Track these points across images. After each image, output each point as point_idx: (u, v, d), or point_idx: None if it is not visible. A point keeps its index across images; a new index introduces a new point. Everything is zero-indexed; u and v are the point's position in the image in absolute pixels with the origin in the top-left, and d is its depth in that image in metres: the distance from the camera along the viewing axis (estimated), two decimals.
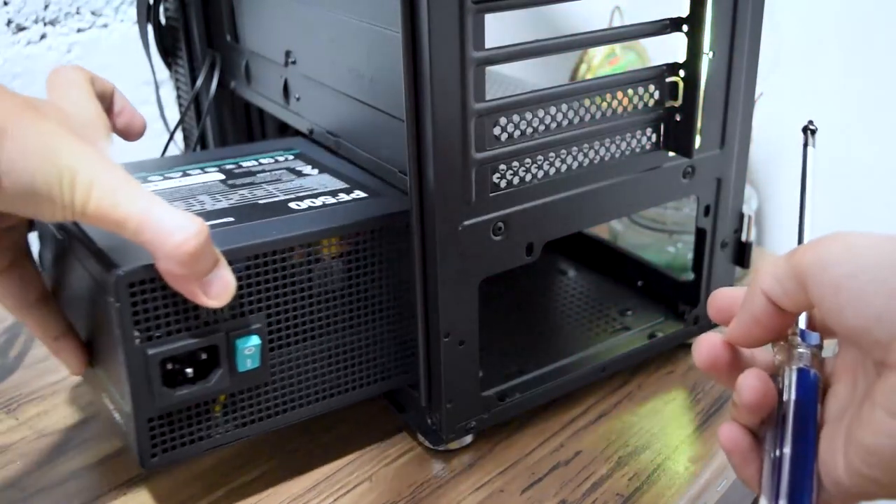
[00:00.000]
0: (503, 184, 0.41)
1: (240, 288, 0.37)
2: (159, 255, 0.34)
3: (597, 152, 0.44)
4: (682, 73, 0.46)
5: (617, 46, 0.72)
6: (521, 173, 0.42)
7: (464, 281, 0.41)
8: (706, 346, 0.33)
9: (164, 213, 0.34)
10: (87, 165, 0.33)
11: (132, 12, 0.78)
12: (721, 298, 0.34)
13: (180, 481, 0.45)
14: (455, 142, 0.38)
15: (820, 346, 0.31)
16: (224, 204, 0.43)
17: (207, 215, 0.41)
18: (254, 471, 0.46)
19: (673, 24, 0.45)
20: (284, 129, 0.61)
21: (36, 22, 0.72)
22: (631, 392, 0.51)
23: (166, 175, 0.47)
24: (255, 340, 0.38)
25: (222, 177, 0.47)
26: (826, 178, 0.72)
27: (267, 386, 0.40)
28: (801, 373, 0.30)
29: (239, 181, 0.46)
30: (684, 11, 0.45)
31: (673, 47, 0.46)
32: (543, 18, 0.83)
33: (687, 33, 0.45)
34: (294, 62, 0.52)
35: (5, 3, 0.70)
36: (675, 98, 0.46)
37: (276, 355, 0.40)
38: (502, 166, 0.41)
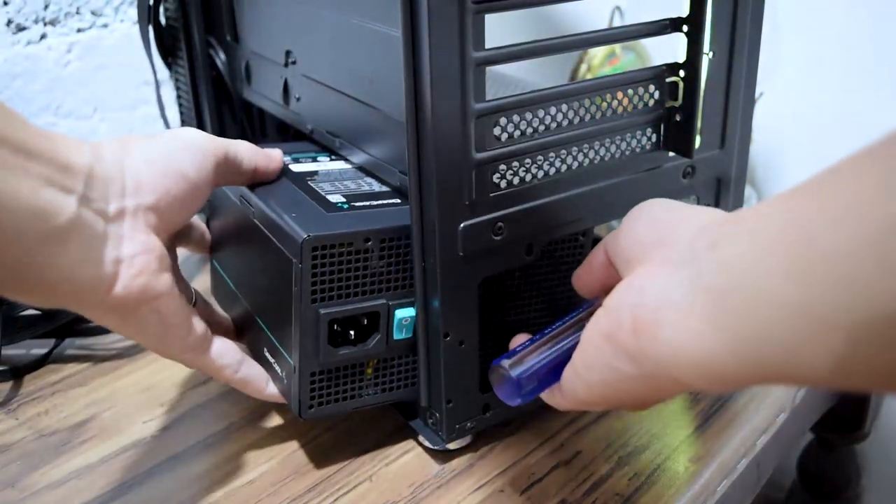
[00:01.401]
0: (503, 184, 0.41)
1: (405, 263, 0.42)
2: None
3: (597, 152, 0.44)
4: (682, 73, 0.46)
5: (617, 46, 0.72)
6: (521, 173, 0.42)
7: (464, 281, 0.41)
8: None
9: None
10: None
11: (132, 12, 0.78)
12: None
13: (180, 481, 0.45)
14: (455, 142, 0.38)
15: None
16: (376, 188, 0.46)
17: (376, 196, 0.45)
18: (254, 471, 0.46)
19: (673, 24, 0.45)
20: (284, 129, 0.62)
21: (36, 22, 0.72)
22: None
23: (317, 158, 0.51)
24: (411, 312, 0.42)
25: (348, 165, 0.50)
26: None
27: (414, 356, 0.44)
28: (590, 302, 0.39)
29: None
30: (684, 11, 0.45)
31: (673, 47, 0.46)
32: (543, 18, 0.83)
33: (687, 33, 0.45)
34: (294, 62, 0.52)
35: (5, 3, 0.70)
36: (675, 98, 0.46)
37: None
38: (502, 166, 0.41)
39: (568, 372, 0.35)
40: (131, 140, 0.40)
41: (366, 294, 0.42)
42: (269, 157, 0.47)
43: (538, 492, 0.44)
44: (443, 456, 0.46)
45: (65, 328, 0.57)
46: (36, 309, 0.56)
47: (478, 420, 0.45)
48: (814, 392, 0.56)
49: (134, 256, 0.37)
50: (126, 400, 0.53)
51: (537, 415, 0.49)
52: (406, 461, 0.46)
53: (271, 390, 0.46)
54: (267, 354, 0.46)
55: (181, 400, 0.52)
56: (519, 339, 0.40)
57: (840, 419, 0.68)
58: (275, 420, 0.50)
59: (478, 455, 0.46)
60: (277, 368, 0.45)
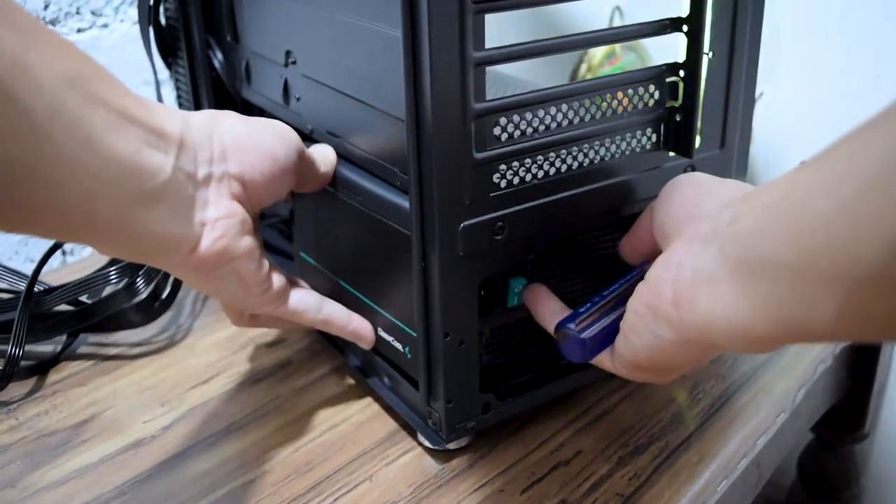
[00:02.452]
0: (503, 184, 0.41)
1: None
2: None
3: (597, 152, 0.44)
4: (682, 73, 0.46)
5: (617, 46, 0.72)
6: (521, 173, 0.42)
7: (464, 281, 0.41)
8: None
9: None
10: None
11: (132, 12, 0.78)
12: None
13: (180, 481, 0.45)
14: (455, 142, 0.38)
15: None
16: None
17: None
18: (254, 471, 0.46)
19: (673, 24, 0.45)
20: None
21: None
22: (631, 392, 0.51)
23: None
24: (522, 282, 0.44)
25: None
26: None
27: (528, 326, 0.46)
28: (639, 267, 0.42)
29: None
30: (684, 11, 0.45)
31: (673, 47, 0.46)
32: (543, 18, 0.83)
33: (687, 33, 0.45)
34: (294, 62, 0.52)
35: None
36: (675, 98, 0.46)
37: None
38: (502, 166, 0.41)
39: (619, 337, 0.38)
40: (222, 113, 0.42)
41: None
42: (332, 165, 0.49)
43: (538, 492, 0.44)
44: (443, 456, 0.46)
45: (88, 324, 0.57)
46: (68, 304, 0.56)
47: (478, 420, 0.45)
48: (814, 392, 0.56)
49: (217, 220, 0.39)
50: (126, 400, 0.53)
51: (537, 415, 0.49)
52: (406, 461, 0.46)
53: (355, 325, 0.48)
54: (382, 333, 0.48)
55: (181, 400, 0.52)
56: (538, 292, 0.44)
57: (840, 419, 0.68)
58: (275, 420, 0.50)
59: (478, 455, 0.46)
60: (398, 345, 0.47)
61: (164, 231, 0.37)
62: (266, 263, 0.43)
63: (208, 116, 0.41)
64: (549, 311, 0.43)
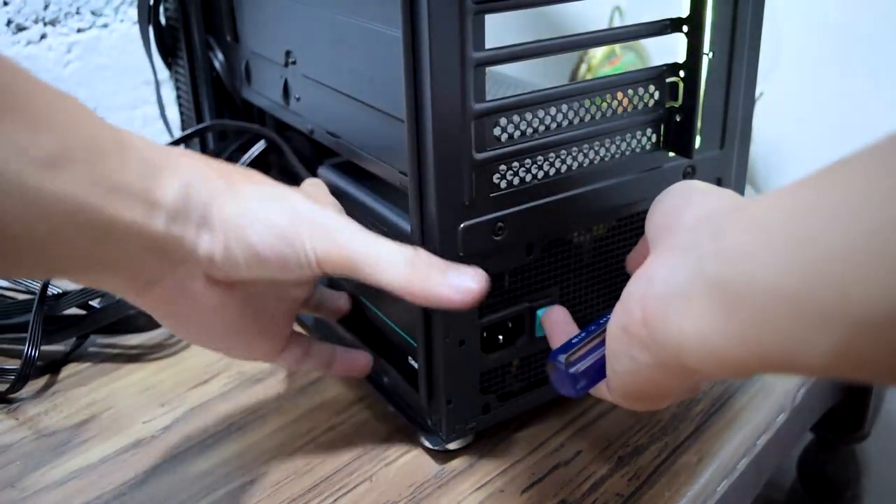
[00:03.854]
0: (503, 184, 0.41)
1: (541, 267, 0.44)
2: (392, 286, 0.37)
3: (597, 152, 0.44)
4: (682, 73, 0.45)
5: (617, 46, 0.72)
6: (521, 174, 0.42)
7: None
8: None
9: (382, 246, 0.38)
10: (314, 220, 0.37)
11: (132, 12, 0.78)
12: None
13: (180, 481, 0.45)
14: (455, 142, 0.38)
15: None
16: None
17: None
18: (254, 471, 0.46)
19: (673, 25, 0.45)
20: (284, 129, 0.61)
21: (36, 22, 0.72)
22: None
23: None
24: None
25: None
26: None
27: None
28: None
29: None
30: (684, 11, 0.45)
31: (673, 47, 0.46)
32: (543, 18, 0.83)
33: (687, 33, 0.45)
34: (294, 62, 0.52)
35: (5, 3, 0.70)
36: (675, 98, 0.46)
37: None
38: (502, 167, 0.41)
39: (606, 366, 0.36)
40: (238, 183, 0.38)
41: (509, 301, 0.44)
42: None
43: (538, 492, 0.44)
44: (443, 456, 0.46)
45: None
46: (79, 307, 0.57)
47: (478, 420, 0.45)
48: (814, 392, 0.56)
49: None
50: (126, 400, 0.53)
51: (537, 415, 0.49)
52: (406, 461, 0.46)
53: (353, 367, 0.47)
54: (413, 363, 0.47)
55: (181, 400, 0.52)
56: (554, 318, 0.42)
57: (840, 419, 0.68)
58: (275, 420, 0.50)
59: (478, 455, 0.46)
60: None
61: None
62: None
63: (224, 185, 0.37)
64: (557, 338, 0.41)
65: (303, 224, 0.37)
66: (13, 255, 0.31)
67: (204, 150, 0.64)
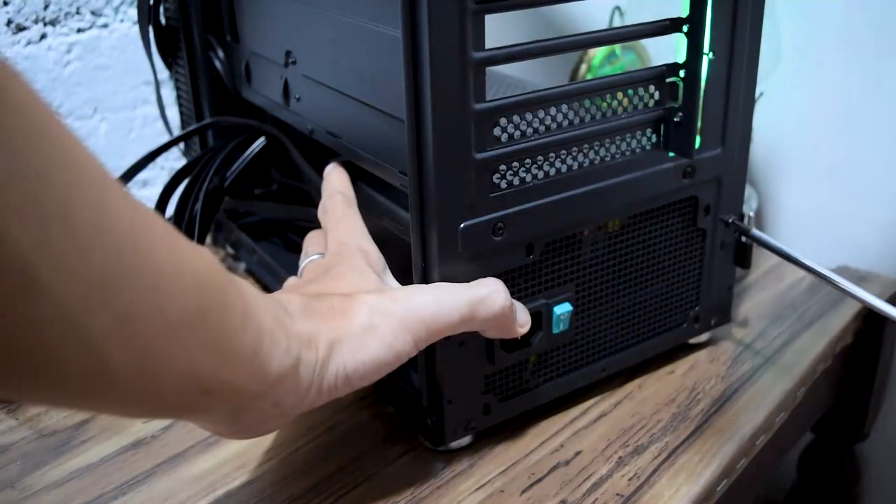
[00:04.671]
0: (503, 184, 0.41)
1: (557, 264, 0.45)
2: (488, 326, 0.41)
3: (597, 152, 0.44)
4: (682, 73, 0.46)
5: (617, 46, 0.72)
6: (522, 174, 0.42)
7: (464, 281, 0.41)
8: None
9: (475, 290, 0.40)
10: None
11: (132, 12, 0.78)
12: None
13: (180, 481, 0.45)
14: (455, 142, 0.38)
15: None
16: None
17: None
18: (254, 471, 0.46)
19: (673, 25, 0.45)
20: (284, 129, 0.61)
21: (36, 22, 0.72)
22: (631, 392, 0.51)
23: None
24: (567, 307, 0.45)
25: None
26: (826, 177, 0.72)
27: (571, 345, 0.48)
28: None
29: None
30: (684, 11, 0.45)
31: (673, 47, 0.46)
32: (543, 18, 0.83)
33: (687, 33, 0.45)
34: (294, 62, 0.52)
35: (5, 3, 0.70)
36: (675, 98, 0.46)
37: (579, 318, 0.48)
38: (502, 167, 0.41)
39: None
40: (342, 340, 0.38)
41: (528, 298, 0.44)
42: None
43: (538, 492, 0.44)
44: (443, 456, 0.46)
45: None
46: None
47: (478, 420, 0.45)
48: (814, 392, 0.56)
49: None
50: None
51: (537, 415, 0.49)
52: (406, 461, 0.46)
53: None
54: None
55: None
56: None
57: (840, 419, 0.68)
58: None
59: (478, 455, 0.46)
60: None
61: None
62: None
63: (325, 348, 0.37)
64: None
65: (398, 336, 0.38)
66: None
67: (204, 147, 0.64)
